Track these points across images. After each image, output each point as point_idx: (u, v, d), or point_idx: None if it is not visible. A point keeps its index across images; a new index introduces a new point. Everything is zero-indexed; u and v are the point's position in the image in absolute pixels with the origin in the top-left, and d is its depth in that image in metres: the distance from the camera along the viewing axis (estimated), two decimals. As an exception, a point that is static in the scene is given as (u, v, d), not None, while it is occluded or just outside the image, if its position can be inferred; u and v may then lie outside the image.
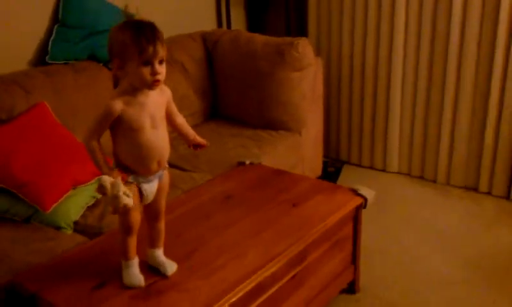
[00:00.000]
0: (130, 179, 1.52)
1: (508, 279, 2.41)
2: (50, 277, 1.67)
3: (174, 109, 1.65)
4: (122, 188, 1.43)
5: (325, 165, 3.50)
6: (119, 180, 1.44)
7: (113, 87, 2.66)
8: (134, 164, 1.52)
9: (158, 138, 1.54)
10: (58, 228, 2.01)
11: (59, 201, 2.02)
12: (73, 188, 2.09)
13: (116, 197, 1.42)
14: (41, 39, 2.59)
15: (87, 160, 2.13)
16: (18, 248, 1.86)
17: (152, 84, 1.47)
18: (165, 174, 1.63)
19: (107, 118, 1.47)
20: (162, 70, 1.46)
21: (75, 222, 2.05)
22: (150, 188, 1.58)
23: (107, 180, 1.44)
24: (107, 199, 1.45)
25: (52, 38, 2.56)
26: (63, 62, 2.56)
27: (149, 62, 1.43)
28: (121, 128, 1.49)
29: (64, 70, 2.49)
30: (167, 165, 1.62)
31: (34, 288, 1.61)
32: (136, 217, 1.58)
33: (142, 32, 1.43)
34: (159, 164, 1.56)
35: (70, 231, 2.02)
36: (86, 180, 2.13)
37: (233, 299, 1.57)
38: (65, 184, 2.05)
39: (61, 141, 2.21)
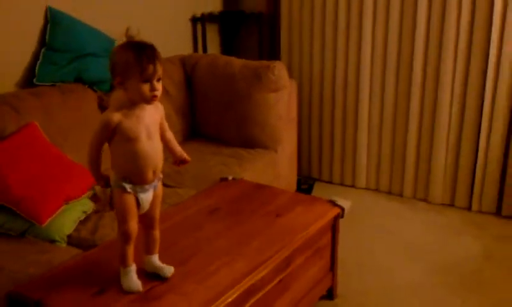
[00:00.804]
0: (128, 189, 1.64)
1: (474, 282, 2.60)
2: (51, 286, 1.74)
3: (165, 125, 1.78)
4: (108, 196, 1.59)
5: (298, 182, 3.65)
6: (109, 191, 1.58)
7: (98, 108, 2.78)
8: (131, 173, 1.64)
9: (153, 148, 1.66)
10: (53, 242, 2.09)
11: (54, 215, 2.10)
12: (66, 204, 2.17)
13: (105, 205, 1.57)
14: (29, 61, 2.68)
15: (78, 176, 2.26)
16: (16, 260, 1.93)
17: (151, 100, 1.60)
18: (159, 184, 1.75)
19: (105, 129, 1.60)
20: (159, 86, 1.60)
21: (69, 236, 2.14)
22: (146, 197, 1.70)
23: (100, 190, 1.58)
24: (99, 205, 1.59)
25: (39, 61, 2.65)
26: (49, 84, 2.65)
27: (149, 80, 1.57)
28: (119, 139, 1.61)
29: (52, 92, 2.59)
30: (161, 176, 1.74)
31: (37, 296, 1.68)
32: (134, 226, 1.69)
33: (144, 53, 1.56)
34: (154, 173, 1.69)
35: (64, 244, 2.10)
36: (77, 195, 2.22)
37: (227, 301, 1.69)
38: (59, 199, 2.14)
39: (52, 159, 2.29)
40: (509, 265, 2.75)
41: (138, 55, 1.57)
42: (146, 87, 1.58)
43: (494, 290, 2.53)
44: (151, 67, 1.57)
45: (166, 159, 1.87)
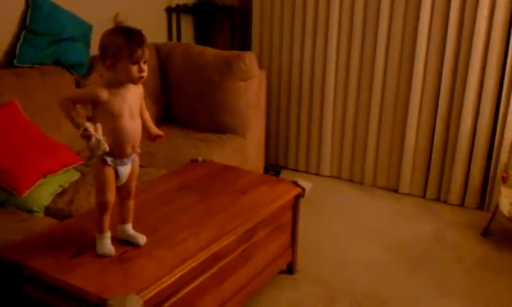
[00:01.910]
0: (109, 162, 1.79)
1: (423, 261, 2.83)
2: (31, 249, 1.88)
3: (143, 105, 1.94)
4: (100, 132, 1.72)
5: (265, 169, 3.83)
6: (99, 127, 1.71)
7: (75, 90, 2.89)
8: (112, 147, 1.78)
9: (134, 126, 1.82)
10: (31, 212, 2.23)
11: (32, 187, 2.24)
12: (44, 177, 2.31)
13: (99, 141, 1.70)
14: (10, 43, 2.79)
15: (55, 152, 2.40)
16: (-4, 227, 2.07)
17: (138, 80, 1.75)
18: (136, 158, 1.90)
19: (90, 97, 1.75)
20: (145, 68, 1.76)
21: (46, 207, 2.28)
22: (125, 170, 1.85)
23: (90, 126, 1.70)
24: (91, 143, 1.71)
25: (19, 43, 2.76)
26: (29, 65, 2.77)
27: (137, 62, 1.72)
28: (103, 115, 1.75)
29: (31, 73, 2.72)
30: (139, 150, 1.89)
31: (18, 258, 1.82)
32: (112, 197, 1.84)
33: (133, 38, 1.72)
34: (133, 148, 1.84)
35: (42, 215, 2.24)
36: (55, 170, 2.37)
37: (194, 264, 1.86)
38: (37, 173, 2.28)
39: (31, 135, 2.43)
40: (456, 247, 2.98)
41: (128, 39, 1.71)
42: (134, 69, 1.73)
43: (440, 269, 2.76)
44: (140, 50, 1.72)
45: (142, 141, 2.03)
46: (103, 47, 1.75)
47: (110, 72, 1.75)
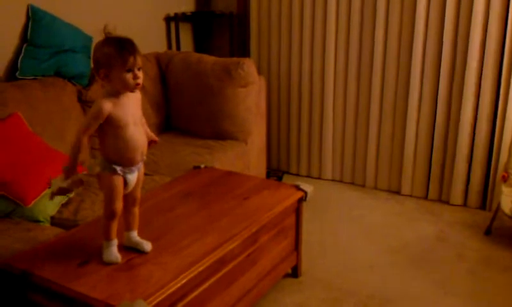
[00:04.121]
0: (119, 171, 1.81)
1: (426, 261, 2.84)
2: (38, 258, 1.90)
3: (140, 111, 1.95)
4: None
5: (268, 175, 3.86)
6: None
7: (77, 101, 2.95)
8: (121, 157, 1.81)
9: (140, 133, 1.84)
10: (37, 222, 2.25)
11: (38, 197, 2.26)
12: (49, 187, 2.33)
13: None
14: (11, 56, 2.83)
15: (59, 162, 2.42)
16: (2, 237, 2.08)
17: (134, 87, 1.77)
18: (142, 165, 1.92)
19: (99, 116, 1.74)
20: (140, 75, 1.77)
21: (52, 217, 2.30)
22: (133, 177, 1.87)
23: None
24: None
25: (21, 56, 2.80)
26: (31, 77, 2.80)
27: (131, 70, 1.74)
28: (109, 127, 1.77)
29: (33, 85, 2.75)
30: (145, 157, 1.91)
31: (24, 267, 1.84)
32: (120, 206, 1.86)
33: (124, 46, 1.73)
34: (142, 154, 1.86)
35: (48, 224, 2.26)
36: (59, 180, 2.39)
37: (200, 269, 1.87)
38: (42, 183, 2.30)
39: (35, 146, 2.45)
40: (459, 246, 2.99)
41: (119, 48, 1.72)
42: (129, 76, 1.74)
43: (444, 268, 2.77)
44: (132, 58, 1.73)
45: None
46: (96, 59, 1.76)
47: (105, 83, 1.77)
